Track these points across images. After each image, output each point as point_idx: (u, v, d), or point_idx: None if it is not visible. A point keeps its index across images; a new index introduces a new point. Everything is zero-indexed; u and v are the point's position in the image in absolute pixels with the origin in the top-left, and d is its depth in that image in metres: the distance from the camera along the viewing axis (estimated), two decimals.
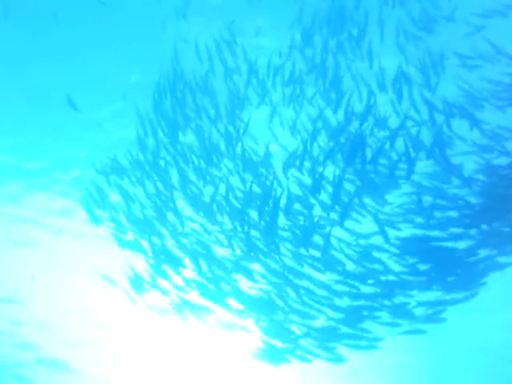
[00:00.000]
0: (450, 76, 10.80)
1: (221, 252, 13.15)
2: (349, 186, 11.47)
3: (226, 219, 12.60)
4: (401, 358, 21.56)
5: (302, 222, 11.72)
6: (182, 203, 13.84)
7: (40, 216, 16.54)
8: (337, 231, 12.19)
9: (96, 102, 13.50)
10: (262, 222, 11.73)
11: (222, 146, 12.40)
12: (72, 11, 12.09)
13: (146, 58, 12.76)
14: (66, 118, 13.90)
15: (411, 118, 11.00)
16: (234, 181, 12.82)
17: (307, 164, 11.72)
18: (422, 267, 11.24)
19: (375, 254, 11.63)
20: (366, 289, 11.82)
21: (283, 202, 12.34)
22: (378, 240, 11.73)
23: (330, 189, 11.66)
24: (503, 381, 22.49)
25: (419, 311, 11.84)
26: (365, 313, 11.76)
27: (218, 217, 12.61)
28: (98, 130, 13.90)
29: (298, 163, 11.26)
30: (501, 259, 11.36)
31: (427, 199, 11.27)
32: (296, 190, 12.27)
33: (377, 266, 11.50)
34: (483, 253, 11.09)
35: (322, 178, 10.74)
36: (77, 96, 13.42)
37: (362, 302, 11.79)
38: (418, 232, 11.40)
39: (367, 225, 12.00)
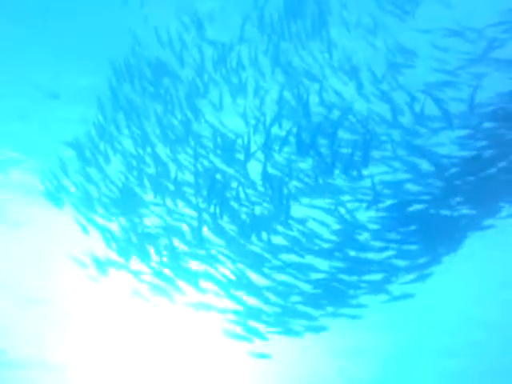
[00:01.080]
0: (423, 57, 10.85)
1: (188, 232, 13.12)
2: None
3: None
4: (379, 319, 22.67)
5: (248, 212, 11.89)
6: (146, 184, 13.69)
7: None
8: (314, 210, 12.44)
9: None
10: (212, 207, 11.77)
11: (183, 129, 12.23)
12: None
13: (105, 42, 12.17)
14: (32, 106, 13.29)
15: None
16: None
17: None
18: (402, 236, 11.74)
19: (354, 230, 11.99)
20: (344, 263, 12.24)
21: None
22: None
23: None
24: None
25: (402, 277, 12.42)
26: (343, 287, 12.24)
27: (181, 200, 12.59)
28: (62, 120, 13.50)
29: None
30: (482, 221, 11.97)
31: (400, 174, 11.62)
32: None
33: (353, 242, 11.90)
34: (463, 212, 11.59)
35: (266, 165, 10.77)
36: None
37: (340, 276, 12.24)
38: (395, 201, 11.75)
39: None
